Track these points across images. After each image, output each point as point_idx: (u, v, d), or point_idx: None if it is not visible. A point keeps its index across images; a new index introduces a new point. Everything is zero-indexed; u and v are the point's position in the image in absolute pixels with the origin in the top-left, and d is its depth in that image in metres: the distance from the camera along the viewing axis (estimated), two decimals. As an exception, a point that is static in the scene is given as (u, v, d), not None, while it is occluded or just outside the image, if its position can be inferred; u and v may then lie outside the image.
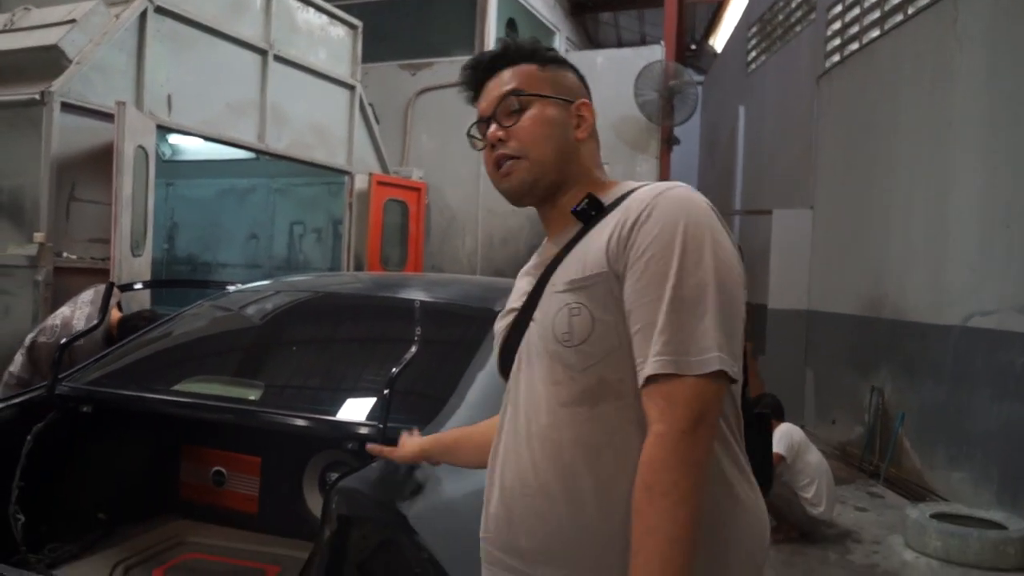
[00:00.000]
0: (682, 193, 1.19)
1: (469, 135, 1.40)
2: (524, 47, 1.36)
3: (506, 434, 1.28)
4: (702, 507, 1.06)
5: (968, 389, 5.21)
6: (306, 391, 2.47)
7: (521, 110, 1.30)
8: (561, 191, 1.31)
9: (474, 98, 1.38)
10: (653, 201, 1.17)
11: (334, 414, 2.18)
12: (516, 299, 1.36)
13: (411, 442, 1.67)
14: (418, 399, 2.18)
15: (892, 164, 6.41)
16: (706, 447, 1.08)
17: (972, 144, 5.30)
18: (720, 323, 1.10)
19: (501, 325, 1.38)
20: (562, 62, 1.38)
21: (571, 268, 1.22)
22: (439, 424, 2.00)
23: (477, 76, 1.37)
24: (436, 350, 2.39)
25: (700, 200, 1.19)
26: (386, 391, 1.94)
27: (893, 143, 6.41)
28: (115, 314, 3.74)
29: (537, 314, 1.26)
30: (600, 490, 1.15)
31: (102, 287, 3.86)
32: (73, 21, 4.89)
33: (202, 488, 2.75)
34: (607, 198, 1.27)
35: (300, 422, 2.14)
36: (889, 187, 6.44)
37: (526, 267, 1.42)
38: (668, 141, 8.85)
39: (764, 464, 1.95)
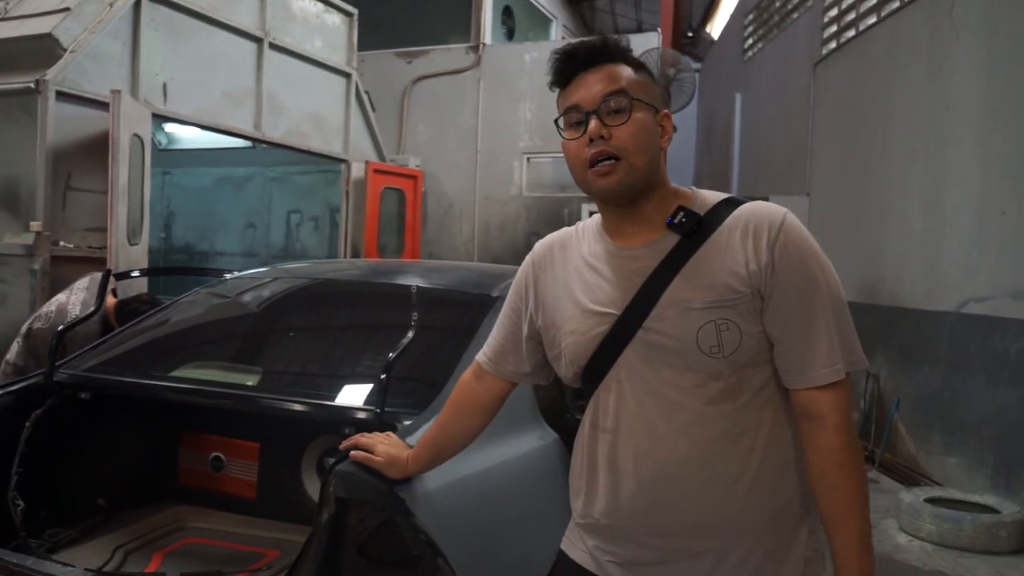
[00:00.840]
0: (797, 222, 1.35)
1: (556, 123, 1.41)
2: (621, 46, 1.40)
3: (632, 435, 1.38)
4: None
5: (963, 375, 5.23)
6: (304, 377, 2.48)
7: (625, 111, 1.34)
8: (644, 196, 1.38)
9: (562, 86, 1.41)
10: (782, 231, 1.31)
11: (332, 399, 2.20)
12: (596, 305, 1.40)
13: (392, 458, 1.69)
14: (415, 384, 2.20)
15: (888, 151, 6.42)
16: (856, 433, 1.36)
17: (969, 131, 5.31)
18: (853, 326, 1.34)
19: (574, 330, 1.41)
20: (648, 69, 1.43)
21: (702, 287, 1.31)
22: (435, 409, 2.02)
23: (572, 66, 1.39)
24: (433, 336, 2.40)
25: (805, 227, 1.36)
26: (383, 376, 1.95)
27: (889, 130, 6.42)
28: (111, 300, 3.74)
29: (656, 324, 1.34)
30: (748, 468, 1.34)
31: (97, 274, 3.86)
32: (67, 9, 4.88)
33: (201, 474, 2.76)
34: (694, 208, 1.37)
35: (298, 407, 2.15)
36: (885, 174, 6.45)
37: (583, 260, 1.46)
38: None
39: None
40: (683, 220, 1.34)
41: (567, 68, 1.39)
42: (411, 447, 1.70)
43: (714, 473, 1.34)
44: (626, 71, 1.37)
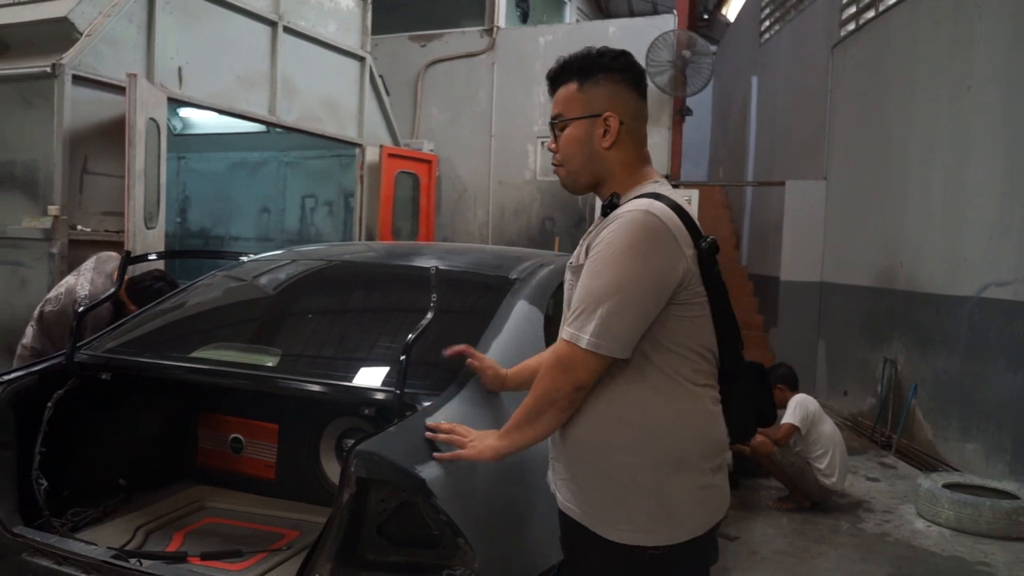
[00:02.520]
0: (630, 218, 1.57)
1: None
2: (574, 64, 1.73)
3: None
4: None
5: (982, 360, 5.19)
6: (322, 358, 2.48)
7: (559, 129, 1.74)
8: (599, 187, 1.75)
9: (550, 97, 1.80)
10: (613, 222, 1.60)
11: (351, 380, 2.20)
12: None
13: (492, 372, 2.04)
14: (434, 365, 2.19)
15: (908, 133, 6.35)
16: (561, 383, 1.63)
17: (991, 112, 5.24)
18: (610, 317, 1.55)
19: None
20: (603, 72, 1.71)
21: (576, 253, 1.71)
22: (453, 391, 2.01)
23: (550, 88, 1.79)
24: (452, 318, 2.40)
25: (639, 223, 1.56)
26: (403, 357, 1.94)
27: (909, 112, 6.34)
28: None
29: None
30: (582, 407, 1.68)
31: (103, 254, 3.88)
32: (83, -8, 4.87)
33: (220, 455, 2.78)
34: (626, 197, 1.67)
35: (317, 388, 2.15)
36: (905, 157, 6.38)
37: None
38: (680, 112, 8.77)
39: (759, 414, 2.03)
40: (604, 204, 1.68)
41: (550, 89, 1.79)
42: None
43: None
44: (567, 93, 1.72)
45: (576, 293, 1.61)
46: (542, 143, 9.32)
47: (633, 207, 1.59)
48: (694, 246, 1.60)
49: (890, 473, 5.59)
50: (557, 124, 1.75)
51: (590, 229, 1.73)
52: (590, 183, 1.75)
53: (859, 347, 7.02)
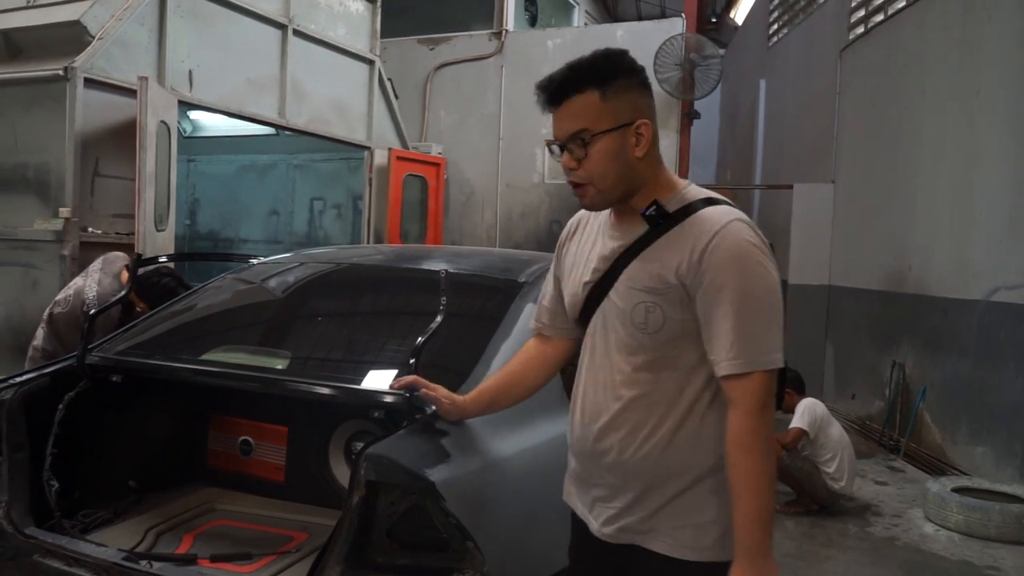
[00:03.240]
0: (738, 228, 1.50)
1: (548, 144, 1.64)
2: (589, 70, 1.55)
3: (586, 376, 1.69)
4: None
5: (992, 364, 5.17)
6: (332, 361, 2.49)
7: (585, 146, 1.55)
8: (629, 198, 1.60)
9: (548, 107, 1.60)
10: (717, 236, 1.49)
11: (360, 383, 2.20)
12: (588, 269, 1.68)
13: (451, 397, 1.90)
14: (443, 368, 2.20)
15: (917, 137, 6.33)
16: (769, 421, 1.49)
17: (1000, 115, 5.22)
18: (768, 331, 1.48)
19: (576, 285, 1.71)
20: (626, 77, 1.57)
21: (646, 273, 1.56)
22: (464, 393, 2.02)
23: (548, 98, 1.59)
24: (461, 321, 2.41)
25: (749, 232, 1.51)
26: (412, 360, 1.95)
27: (918, 115, 6.32)
28: (126, 277, 3.75)
29: (614, 295, 1.61)
30: (657, 432, 1.57)
31: (111, 255, 3.90)
32: (95, -4, 4.91)
33: (230, 457, 2.79)
34: (670, 203, 1.57)
35: (327, 391, 2.16)
36: (913, 160, 6.36)
37: (586, 232, 1.75)
38: (688, 115, 8.77)
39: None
40: (652, 213, 1.56)
41: (542, 103, 1.60)
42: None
43: (630, 426, 1.58)
44: (590, 101, 1.54)
45: (730, 319, 1.46)
46: (549, 146, 9.32)
47: (725, 214, 1.52)
48: None
49: (898, 477, 5.57)
50: (579, 141, 1.54)
51: (621, 244, 1.60)
52: (620, 197, 1.59)
53: (867, 350, 7.00)
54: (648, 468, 1.57)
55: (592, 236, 1.71)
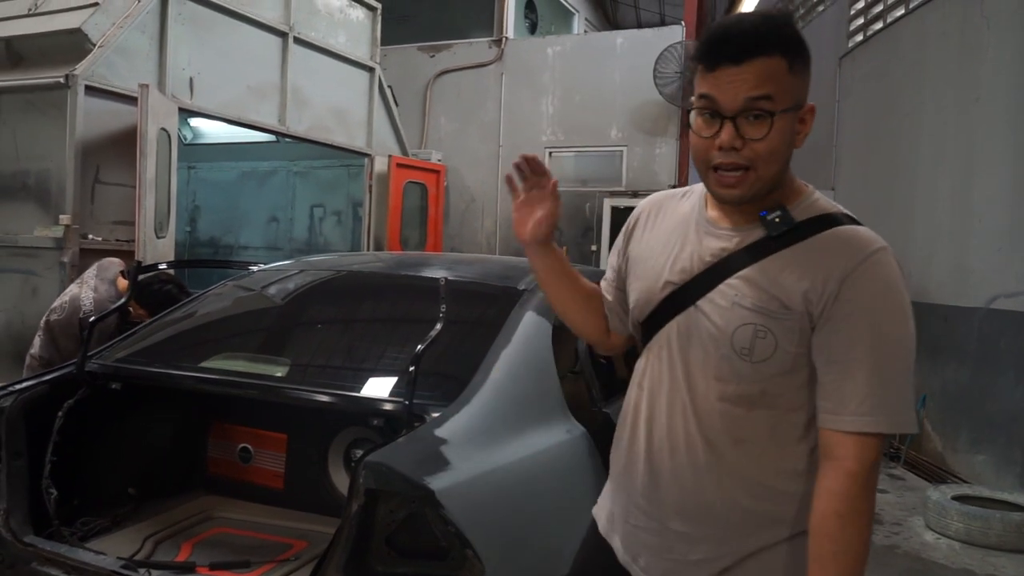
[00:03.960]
0: (888, 261, 1.26)
1: (690, 111, 1.33)
2: (784, 32, 1.25)
3: (655, 397, 1.42)
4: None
5: (992, 371, 5.17)
6: (331, 368, 2.49)
7: (766, 121, 1.23)
8: (769, 194, 1.32)
9: (706, 68, 1.27)
10: (865, 264, 1.24)
11: (359, 391, 2.21)
12: (673, 266, 1.40)
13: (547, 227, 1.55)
14: (443, 375, 2.20)
15: (916, 144, 6.34)
16: (875, 490, 1.27)
17: (1000, 123, 5.23)
18: (908, 387, 1.26)
19: (651, 281, 1.43)
20: (807, 51, 1.29)
21: (760, 290, 1.28)
22: (463, 402, 2.02)
23: (722, 54, 1.24)
24: (461, 328, 2.41)
25: (898, 269, 1.27)
26: (412, 368, 1.95)
27: (918, 123, 6.33)
28: (123, 283, 3.76)
29: (707, 307, 1.33)
30: (740, 475, 1.33)
31: (105, 261, 3.90)
32: (96, 4, 4.93)
33: (229, 464, 2.79)
34: (796, 211, 1.31)
35: (326, 398, 2.16)
36: (913, 167, 6.37)
37: (669, 221, 1.47)
38: (689, 123, 8.79)
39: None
40: (777, 219, 1.29)
41: (716, 55, 1.24)
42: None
43: (708, 465, 1.34)
44: (777, 68, 1.23)
45: (867, 367, 1.22)
46: (550, 153, 9.34)
47: (871, 240, 1.27)
48: None
49: (899, 485, 5.56)
50: (756, 111, 1.23)
51: (726, 249, 1.33)
52: (767, 192, 1.31)
53: (868, 358, 6.99)
54: (723, 516, 1.34)
55: (679, 228, 1.43)
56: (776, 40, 1.24)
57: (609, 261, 1.66)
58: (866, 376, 1.22)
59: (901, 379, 1.24)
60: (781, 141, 1.26)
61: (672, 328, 1.39)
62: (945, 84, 5.92)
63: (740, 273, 1.30)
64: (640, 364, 1.48)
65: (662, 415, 1.40)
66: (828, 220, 1.30)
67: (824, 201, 1.35)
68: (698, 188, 1.47)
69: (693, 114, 1.31)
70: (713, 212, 1.39)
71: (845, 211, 1.34)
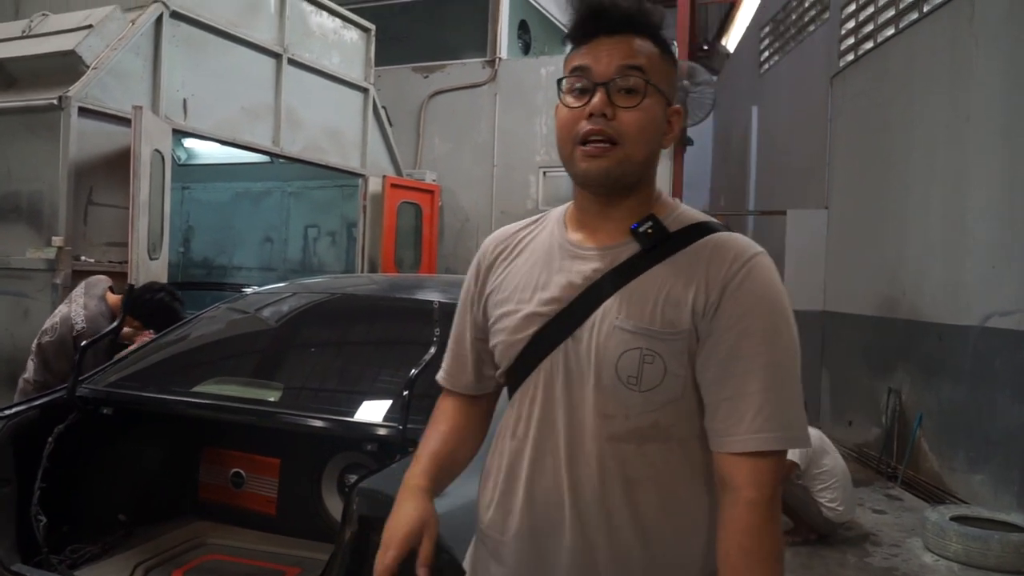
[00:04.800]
0: (767, 265, 1.19)
1: (559, 83, 1.27)
2: (653, 19, 1.23)
3: (536, 445, 1.25)
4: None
5: (988, 390, 5.16)
6: (325, 392, 2.48)
7: (638, 93, 1.19)
8: (626, 193, 1.24)
9: (577, 43, 1.24)
10: (743, 270, 1.16)
11: (353, 416, 2.19)
12: (539, 298, 1.25)
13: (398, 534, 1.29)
14: (437, 399, 2.18)
15: (908, 162, 6.37)
16: (779, 515, 1.16)
17: (991, 141, 5.26)
18: (799, 398, 1.17)
19: (515, 321, 1.27)
20: (673, 54, 1.27)
21: (640, 308, 1.17)
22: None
23: (597, 26, 1.21)
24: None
25: (777, 273, 1.20)
26: (406, 392, 1.94)
27: (909, 141, 6.37)
28: (113, 298, 3.73)
29: (586, 336, 1.20)
30: (636, 522, 1.19)
31: (92, 279, 3.89)
32: (90, 27, 4.93)
33: (221, 490, 2.76)
34: (667, 222, 1.22)
35: (320, 424, 2.14)
36: (905, 186, 6.40)
37: (527, 252, 1.32)
38: (682, 142, 8.83)
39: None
40: (649, 231, 1.21)
41: (590, 27, 1.22)
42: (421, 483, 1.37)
43: (600, 514, 1.19)
44: (652, 50, 1.21)
45: (757, 380, 1.13)
46: (544, 173, 9.37)
47: (747, 246, 1.19)
48: None
49: (896, 505, 5.53)
50: (637, 82, 1.19)
51: (596, 267, 1.22)
52: (632, 184, 1.23)
53: (863, 376, 6.99)
54: (615, 563, 1.19)
55: (540, 258, 1.30)
56: (649, 26, 1.22)
57: (457, 322, 1.45)
58: (756, 389, 1.12)
59: (791, 390, 1.15)
60: (650, 121, 1.20)
61: (546, 366, 1.23)
62: (936, 103, 5.96)
63: (617, 293, 1.19)
64: (510, 414, 1.30)
65: (538, 471, 1.24)
66: (702, 228, 1.22)
67: (694, 211, 1.27)
68: (552, 214, 1.37)
69: (562, 93, 1.26)
70: (576, 234, 1.28)
71: (713, 219, 1.26)
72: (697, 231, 1.21)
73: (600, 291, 1.20)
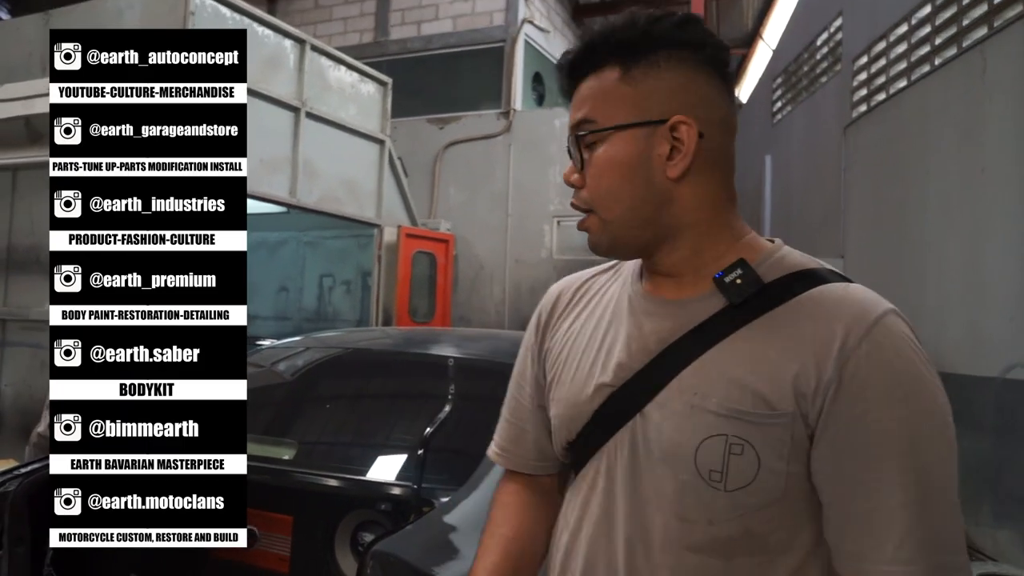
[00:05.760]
0: (900, 332, 0.91)
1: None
2: (614, 36, 0.99)
3: (592, 546, 1.01)
4: None
5: (1012, 443, 5.07)
6: (339, 448, 2.46)
7: (590, 148, 1.00)
8: (655, 249, 1.00)
9: (566, 92, 1.08)
10: (868, 336, 0.88)
11: (367, 473, 2.18)
12: (606, 364, 1.02)
13: None
14: (452, 458, 2.16)
15: (923, 213, 6.36)
16: None
17: (1007, 193, 5.25)
18: (958, 513, 0.88)
19: (579, 388, 1.05)
20: (664, 48, 0.97)
21: (728, 382, 0.92)
22: (472, 486, 1.98)
23: (566, 82, 1.05)
24: (469, 407, 2.38)
25: (914, 338, 0.93)
26: (420, 451, 1.92)
27: (924, 192, 6.37)
28: None
29: (658, 414, 0.95)
30: None
31: None
32: (114, 83, 5.04)
33: (233, 548, 2.73)
34: (762, 269, 0.96)
35: (333, 482, 2.13)
36: (921, 236, 6.37)
37: (595, 304, 1.11)
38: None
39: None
40: (738, 280, 0.94)
41: (561, 87, 1.07)
42: None
43: None
44: (605, 82, 0.99)
45: (901, 493, 0.85)
46: (558, 222, 9.42)
47: (872, 304, 0.91)
48: None
49: (921, 561, 5.40)
50: (583, 138, 1.00)
51: (718, 329, 0.95)
52: (646, 242, 0.99)
53: (883, 428, 6.88)
54: None
55: (610, 311, 1.07)
56: (607, 47, 0.99)
57: (513, 384, 1.23)
58: (899, 503, 0.84)
59: (948, 506, 0.86)
60: (613, 169, 0.97)
61: (612, 448, 1.00)
62: (950, 154, 5.97)
63: (698, 362, 0.93)
64: (570, 499, 1.08)
65: (599, 570, 0.99)
66: (808, 277, 0.95)
67: (799, 256, 1.00)
68: (632, 261, 1.11)
69: None
70: (650, 285, 1.04)
71: (829, 267, 0.99)
72: (802, 281, 0.95)
73: (677, 358, 0.95)
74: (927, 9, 6.41)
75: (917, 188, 6.50)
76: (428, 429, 1.97)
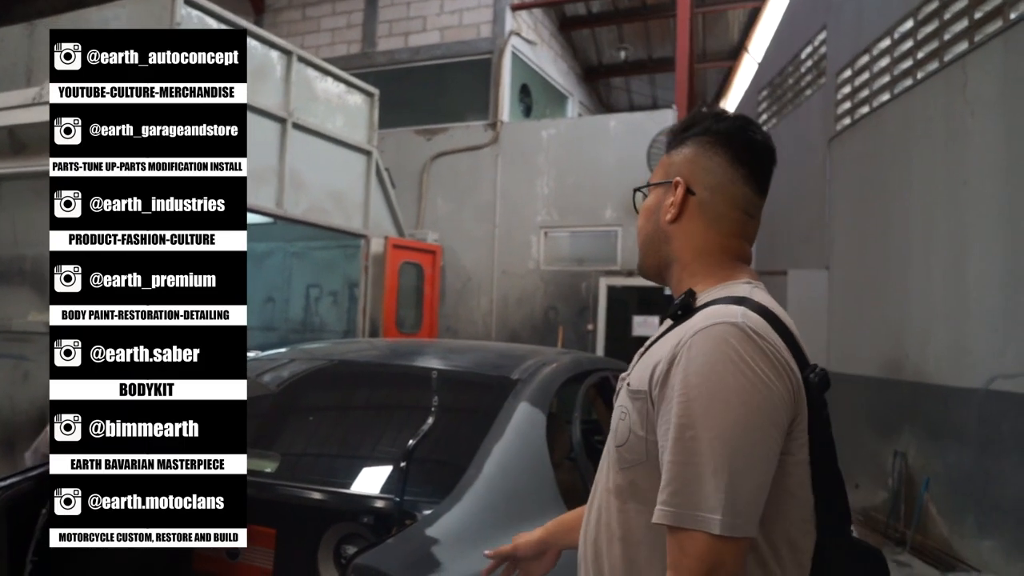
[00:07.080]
0: (716, 334, 1.13)
1: None
2: (676, 128, 1.41)
3: (591, 496, 1.38)
4: None
5: (995, 454, 5.10)
6: (322, 461, 2.45)
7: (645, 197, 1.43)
8: (667, 277, 1.37)
9: None
10: (690, 340, 1.14)
11: (350, 487, 2.16)
12: None
13: (525, 537, 1.63)
14: (435, 470, 2.16)
15: (908, 224, 6.42)
16: None
17: (989, 205, 5.30)
18: (718, 479, 1.07)
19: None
20: (691, 129, 1.37)
21: (637, 372, 1.26)
22: (456, 497, 1.98)
23: None
24: (453, 419, 2.37)
25: (734, 344, 1.12)
26: (403, 464, 1.92)
27: (908, 203, 6.42)
28: None
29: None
30: (610, 573, 1.25)
31: None
32: (99, 94, 5.03)
33: (216, 561, 2.70)
34: (704, 296, 1.26)
35: (317, 495, 2.12)
36: (905, 247, 6.43)
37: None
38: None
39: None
40: (676, 305, 1.26)
41: None
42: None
43: (594, 561, 1.28)
44: (667, 154, 1.41)
45: (670, 451, 1.11)
46: (545, 233, 9.44)
47: (716, 316, 1.15)
48: (800, 377, 1.20)
49: (905, 572, 5.42)
50: (641, 190, 1.45)
51: (652, 338, 1.32)
52: (654, 266, 1.37)
53: (868, 439, 6.92)
54: None
55: None
56: (673, 133, 1.41)
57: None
58: (668, 460, 1.11)
59: (701, 466, 1.07)
60: (643, 212, 1.40)
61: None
62: (933, 167, 6.03)
63: (640, 361, 1.30)
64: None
65: (590, 514, 1.34)
66: (713, 302, 1.21)
67: (734, 287, 1.25)
68: None
69: None
70: None
71: (738, 295, 1.21)
72: (706, 304, 1.22)
73: (638, 360, 1.32)
74: (909, 24, 6.48)
75: (901, 199, 6.55)
76: (411, 442, 1.96)
